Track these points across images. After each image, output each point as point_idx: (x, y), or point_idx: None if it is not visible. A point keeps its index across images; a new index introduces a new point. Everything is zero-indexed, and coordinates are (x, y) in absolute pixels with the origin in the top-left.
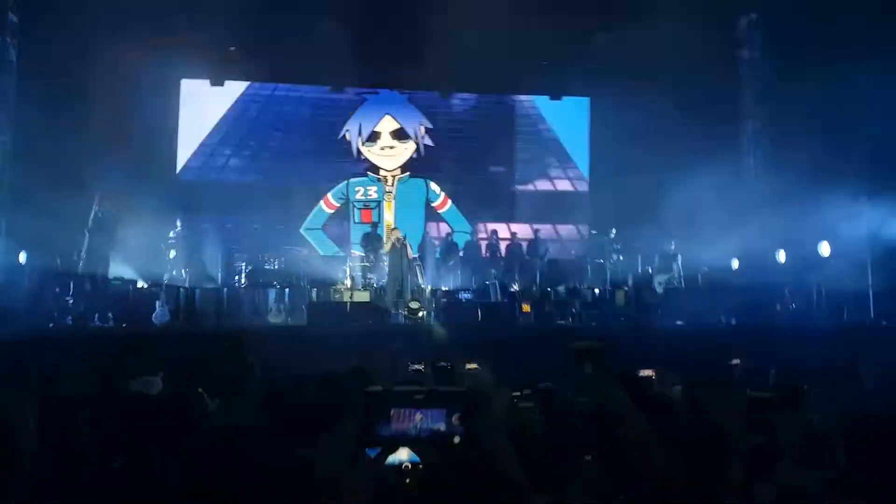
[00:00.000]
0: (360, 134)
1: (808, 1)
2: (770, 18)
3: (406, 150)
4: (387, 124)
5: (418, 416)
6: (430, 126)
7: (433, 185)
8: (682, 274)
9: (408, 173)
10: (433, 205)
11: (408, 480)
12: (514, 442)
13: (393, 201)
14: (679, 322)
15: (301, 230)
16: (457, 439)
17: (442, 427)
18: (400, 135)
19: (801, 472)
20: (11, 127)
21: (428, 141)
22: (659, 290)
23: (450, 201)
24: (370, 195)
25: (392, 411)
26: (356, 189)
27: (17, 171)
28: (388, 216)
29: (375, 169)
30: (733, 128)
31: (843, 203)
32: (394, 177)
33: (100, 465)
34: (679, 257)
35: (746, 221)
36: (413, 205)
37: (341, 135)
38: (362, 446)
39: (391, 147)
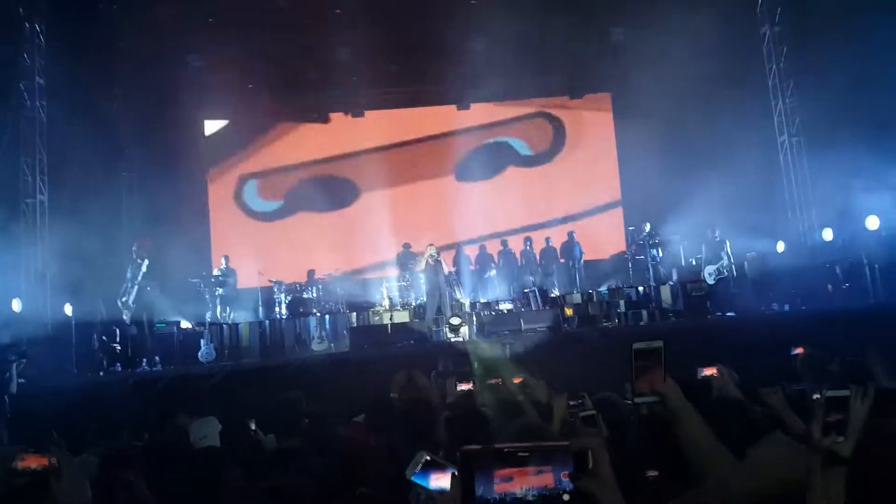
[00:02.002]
0: None
1: None
2: None
3: None
4: None
5: (526, 475)
6: None
7: None
8: (732, 261)
9: None
10: None
11: None
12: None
13: None
14: (730, 313)
15: None
16: (566, 497)
17: (550, 484)
18: None
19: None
20: (47, 186)
21: None
22: (710, 280)
23: None
24: None
25: (496, 472)
26: None
27: (56, 227)
28: None
29: None
30: (764, 107)
31: (886, 173)
32: None
33: None
34: (727, 244)
35: (787, 202)
36: None
37: None
38: None
39: None
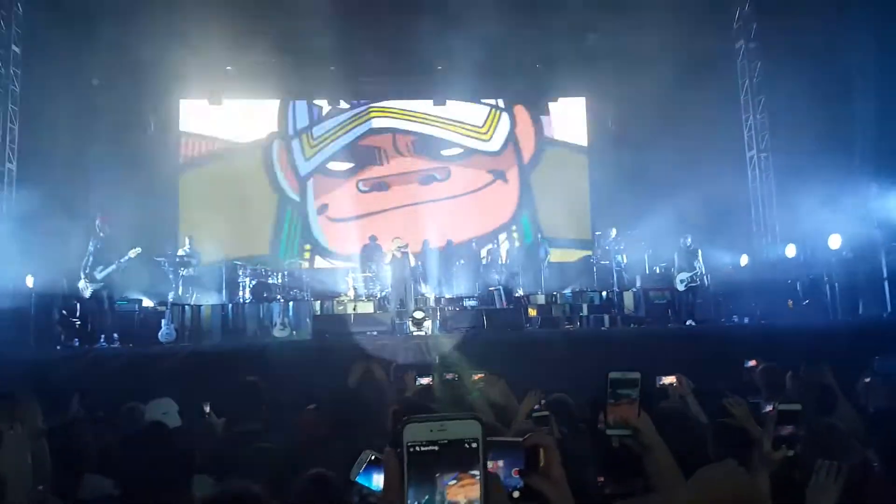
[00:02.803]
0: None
1: None
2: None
3: None
4: None
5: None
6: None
7: None
8: (704, 271)
9: None
10: None
11: None
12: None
13: None
14: (690, 322)
15: None
16: (516, 494)
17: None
18: None
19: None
20: (16, 155)
21: None
22: (681, 287)
23: None
24: None
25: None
26: None
27: (23, 197)
28: None
29: None
30: (735, 121)
31: (851, 193)
32: None
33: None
34: (699, 253)
35: (752, 216)
36: None
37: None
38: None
39: None
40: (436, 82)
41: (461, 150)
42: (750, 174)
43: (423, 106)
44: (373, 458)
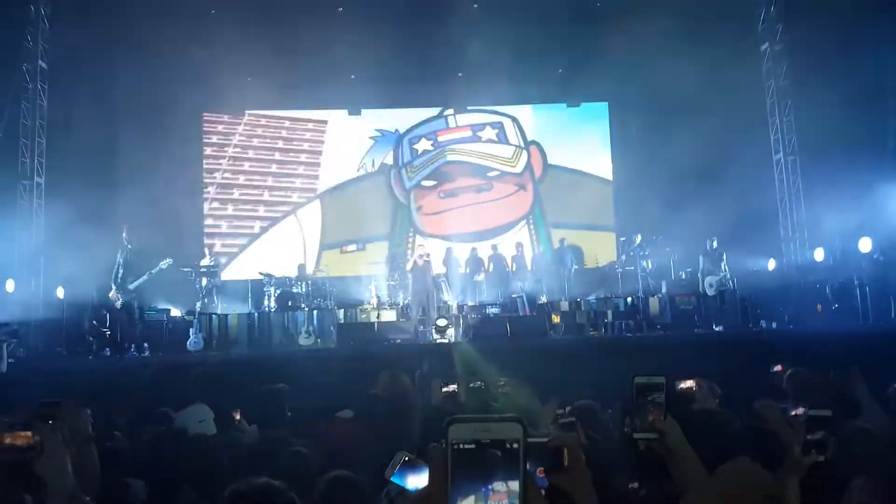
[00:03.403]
0: (373, 165)
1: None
2: (790, 14)
3: None
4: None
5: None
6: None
7: None
8: (728, 274)
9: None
10: None
11: None
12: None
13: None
14: (718, 328)
15: None
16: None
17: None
18: None
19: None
20: (44, 169)
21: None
22: (710, 291)
23: None
24: None
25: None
26: None
27: (51, 210)
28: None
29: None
30: (762, 124)
31: (881, 195)
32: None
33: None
34: (724, 256)
35: (780, 220)
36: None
37: (359, 166)
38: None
39: None
40: (457, 90)
41: (498, 172)
42: (777, 178)
43: (478, 147)
44: (406, 458)
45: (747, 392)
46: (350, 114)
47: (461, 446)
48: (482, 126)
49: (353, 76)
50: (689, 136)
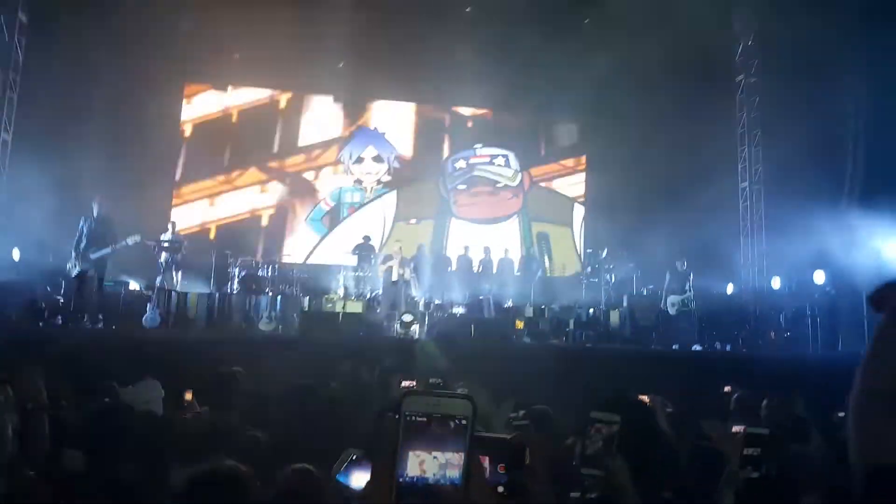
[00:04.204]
0: (350, 157)
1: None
2: (765, 51)
3: (381, 169)
4: (369, 152)
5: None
6: (398, 154)
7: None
8: (692, 296)
9: (381, 185)
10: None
11: None
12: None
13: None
14: (674, 346)
15: (305, 220)
16: (500, 489)
17: (485, 475)
18: (378, 159)
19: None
20: (14, 125)
21: (396, 164)
22: (672, 310)
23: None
24: (355, 199)
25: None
26: (346, 193)
27: (17, 169)
28: (366, 214)
29: (360, 181)
30: (729, 152)
31: (839, 229)
32: (371, 187)
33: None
34: (691, 276)
35: (741, 246)
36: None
37: (338, 158)
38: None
39: (371, 167)
40: (442, 89)
41: (503, 184)
42: (741, 205)
43: (492, 168)
44: (354, 457)
45: (697, 410)
46: (335, 101)
47: (413, 418)
48: (496, 155)
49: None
50: (659, 159)
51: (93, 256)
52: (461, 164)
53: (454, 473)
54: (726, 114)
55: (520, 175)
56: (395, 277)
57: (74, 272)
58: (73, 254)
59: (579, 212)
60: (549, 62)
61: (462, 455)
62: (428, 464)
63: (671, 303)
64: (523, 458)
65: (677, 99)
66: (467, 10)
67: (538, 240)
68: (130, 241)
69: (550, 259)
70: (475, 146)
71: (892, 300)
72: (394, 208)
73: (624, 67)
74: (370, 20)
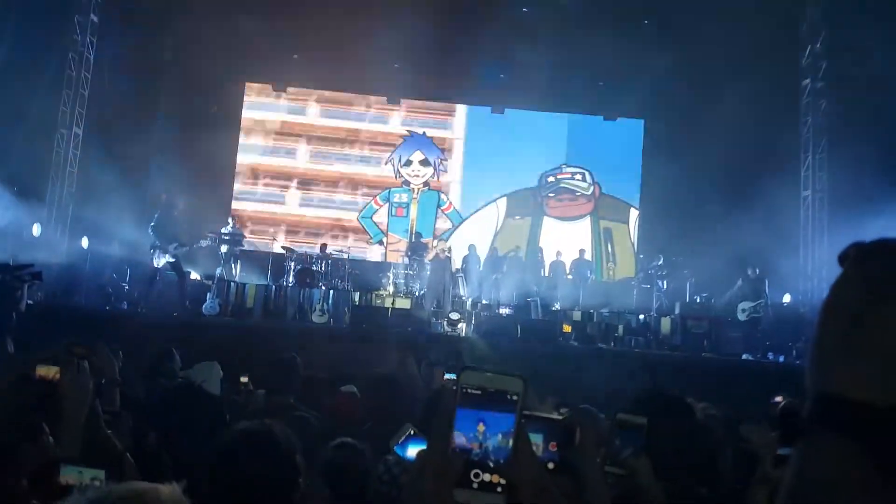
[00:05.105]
0: (399, 160)
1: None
2: (833, 56)
3: (427, 172)
4: (417, 156)
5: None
6: (444, 158)
7: (442, 196)
8: (769, 302)
9: (427, 187)
10: (441, 208)
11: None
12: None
13: (417, 204)
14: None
15: (358, 218)
16: (551, 466)
17: (538, 453)
18: (425, 163)
19: None
20: (84, 120)
21: (442, 168)
22: (742, 316)
23: (453, 206)
24: (402, 199)
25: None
26: (395, 194)
27: (86, 163)
28: (413, 213)
29: (408, 183)
30: (792, 159)
31: None
32: (419, 189)
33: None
34: (766, 283)
35: (801, 256)
36: (429, 207)
37: (387, 160)
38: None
39: (419, 170)
40: (496, 90)
41: (580, 193)
42: (802, 214)
43: (573, 181)
44: (412, 431)
45: (743, 417)
46: (389, 102)
47: (468, 390)
48: (577, 171)
49: (396, 65)
50: (719, 163)
51: (171, 251)
52: (551, 178)
53: (506, 444)
54: (790, 119)
55: (592, 187)
56: (442, 276)
57: (161, 263)
58: (157, 242)
59: (634, 215)
60: (608, 64)
61: (513, 429)
62: (481, 434)
63: (742, 308)
64: (573, 437)
65: (740, 102)
66: (524, 10)
67: (604, 236)
68: (203, 243)
69: (613, 255)
70: (561, 165)
71: (851, 253)
72: (505, 208)
73: (690, 66)
74: (428, 21)
